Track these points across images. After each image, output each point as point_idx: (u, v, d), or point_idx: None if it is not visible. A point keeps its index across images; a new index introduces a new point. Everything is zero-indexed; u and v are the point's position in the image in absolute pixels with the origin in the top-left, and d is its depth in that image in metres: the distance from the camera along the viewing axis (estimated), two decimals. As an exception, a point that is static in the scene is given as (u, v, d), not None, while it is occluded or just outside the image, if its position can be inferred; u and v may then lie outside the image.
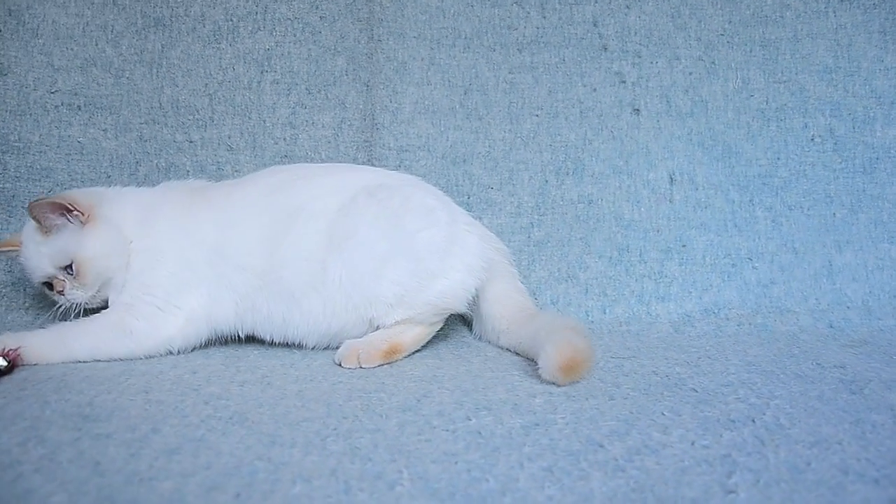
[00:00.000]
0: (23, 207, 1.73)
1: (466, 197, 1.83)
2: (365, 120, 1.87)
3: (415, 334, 1.41)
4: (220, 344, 1.48)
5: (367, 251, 1.37)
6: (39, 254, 1.38)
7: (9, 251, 1.47)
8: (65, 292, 1.37)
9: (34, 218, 1.35)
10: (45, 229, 1.37)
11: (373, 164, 1.83)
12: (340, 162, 1.83)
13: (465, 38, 1.88)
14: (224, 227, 1.41)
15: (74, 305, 1.39)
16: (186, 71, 1.83)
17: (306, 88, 1.86)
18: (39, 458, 0.89)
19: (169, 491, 0.81)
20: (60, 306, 1.40)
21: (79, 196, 1.40)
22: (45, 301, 1.69)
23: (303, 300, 1.39)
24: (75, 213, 1.37)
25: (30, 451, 0.92)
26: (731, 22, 1.87)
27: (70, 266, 1.37)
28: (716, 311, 1.74)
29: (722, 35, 1.87)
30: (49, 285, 1.41)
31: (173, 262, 1.40)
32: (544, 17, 1.88)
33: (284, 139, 1.84)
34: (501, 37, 1.88)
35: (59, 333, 1.33)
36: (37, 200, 1.33)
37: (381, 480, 0.85)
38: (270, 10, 1.85)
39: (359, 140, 1.85)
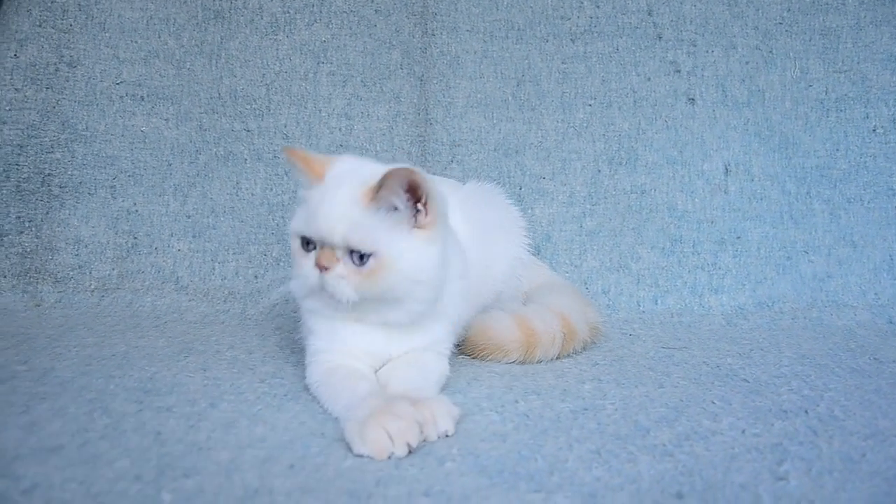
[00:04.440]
0: (90, 194, 1.80)
1: (518, 188, 1.83)
2: (419, 114, 1.89)
3: None
4: (275, 328, 1.52)
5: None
6: (349, 216, 1.00)
7: (304, 169, 1.07)
8: (329, 273, 1.00)
9: (383, 182, 0.99)
10: (378, 199, 1.00)
11: (426, 159, 1.87)
12: (395, 154, 1.86)
13: (518, 29, 1.89)
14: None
15: (310, 292, 1.05)
16: (244, 62, 1.87)
17: (361, 81, 1.88)
18: (105, 427, 0.93)
19: (226, 461, 0.84)
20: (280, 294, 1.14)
21: (436, 193, 1.05)
22: (110, 284, 1.75)
23: None
24: (422, 207, 1.03)
25: (96, 420, 0.96)
26: (789, 10, 1.83)
27: (364, 256, 1.00)
28: (770, 304, 1.71)
29: (780, 23, 1.83)
30: (306, 244, 1.05)
31: None
32: (597, 7, 1.87)
33: (339, 129, 1.86)
34: (554, 27, 1.88)
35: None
36: (406, 170, 0.98)
37: (430, 456, 0.87)
38: (327, 3, 1.89)
39: (412, 134, 1.87)
